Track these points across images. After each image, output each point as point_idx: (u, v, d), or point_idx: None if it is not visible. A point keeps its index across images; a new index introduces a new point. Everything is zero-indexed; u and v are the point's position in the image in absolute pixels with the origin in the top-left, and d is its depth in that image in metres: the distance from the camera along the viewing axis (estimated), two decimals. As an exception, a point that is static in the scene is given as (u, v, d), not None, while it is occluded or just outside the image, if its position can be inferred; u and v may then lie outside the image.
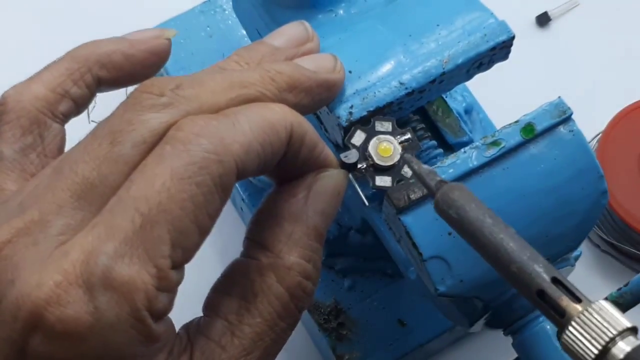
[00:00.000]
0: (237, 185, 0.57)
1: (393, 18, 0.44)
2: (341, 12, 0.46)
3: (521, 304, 0.43)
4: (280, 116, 0.35)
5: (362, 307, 0.57)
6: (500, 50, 0.44)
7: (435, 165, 0.41)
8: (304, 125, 0.36)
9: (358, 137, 0.41)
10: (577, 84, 0.68)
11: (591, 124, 0.61)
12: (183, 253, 0.33)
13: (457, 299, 0.42)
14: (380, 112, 0.42)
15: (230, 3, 0.61)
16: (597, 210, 0.43)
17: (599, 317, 0.31)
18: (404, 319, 0.57)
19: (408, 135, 0.41)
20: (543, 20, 0.71)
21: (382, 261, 0.57)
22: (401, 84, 0.42)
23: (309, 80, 0.38)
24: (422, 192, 0.40)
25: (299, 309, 0.37)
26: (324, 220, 0.37)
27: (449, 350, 0.60)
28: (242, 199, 0.61)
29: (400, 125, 0.41)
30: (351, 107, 0.42)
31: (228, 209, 0.64)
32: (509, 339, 0.45)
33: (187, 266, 0.33)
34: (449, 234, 0.40)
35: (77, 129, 0.40)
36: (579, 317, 0.31)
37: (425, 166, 0.37)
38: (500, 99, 0.62)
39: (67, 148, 0.38)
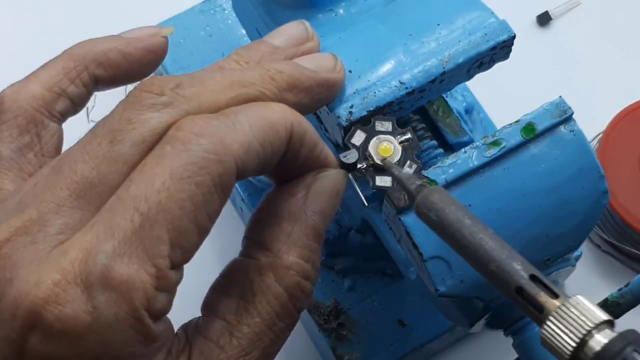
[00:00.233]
0: (236, 185, 0.56)
1: (393, 17, 0.44)
2: (341, 11, 0.46)
3: (522, 304, 0.43)
4: (281, 116, 0.35)
5: (362, 308, 0.57)
6: (501, 50, 0.44)
7: (436, 165, 0.41)
8: (304, 124, 0.36)
9: (358, 137, 0.41)
10: (577, 84, 0.68)
11: (592, 123, 0.61)
12: (182, 253, 0.32)
13: (457, 299, 0.42)
14: (381, 111, 0.42)
15: (230, 2, 0.61)
16: (597, 210, 0.43)
17: (576, 311, 0.31)
18: (404, 319, 0.57)
19: (408, 135, 0.41)
20: (544, 19, 0.71)
21: (382, 261, 0.57)
22: (401, 83, 0.42)
23: (309, 80, 0.38)
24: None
25: (298, 309, 0.37)
26: (323, 220, 0.37)
27: (449, 351, 0.60)
28: (242, 199, 0.61)
29: (401, 125, 0.41)
30: (351, 106, 0.42)
31: (228, 209, 0.64)
32: (510, 340, 0.45)
33: (186, 266, 0.33)
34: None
35: (75, 129, 0.40)
36: (556, 312, 0.32)
37: (405, 170, 0.38)
38: (501, 98, 0.62)
39: (64, 148, 0.37)
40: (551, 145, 0.42)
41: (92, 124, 0.35)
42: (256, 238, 0.37)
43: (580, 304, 0.32)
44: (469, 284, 0.41)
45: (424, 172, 0.41)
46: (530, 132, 0.42)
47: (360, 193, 0.42)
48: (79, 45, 0.40)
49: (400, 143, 0.41)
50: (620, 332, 0.31)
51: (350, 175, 0.40)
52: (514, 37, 0.43)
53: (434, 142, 0.49)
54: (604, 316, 0.32)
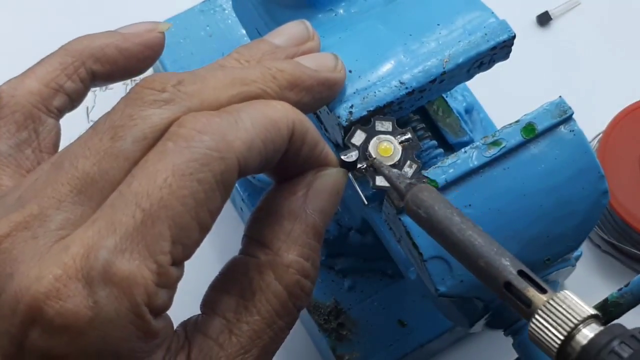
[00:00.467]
0: (236, 185, 0.56)
1: (393, 17, 0.44)
2: (341, 11, 0.46)
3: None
4: (282, 114, 0.35)
5: (362, 308, 0.57)
6: (501, 50, 0.44)
7: (436, 165, 0.41)
8: (306, 123, 0.36)
9: (358, 137, 0.41)
10: (577, 84, 0.68)
11: (592, 123, 0.61)
12: (183, 249, 0.32)
13: (457, 299, 0.42)
14: (381, 111, 0.42)
15: (230, 2, 0.61)
16: (597, 210, 0.43)
17: (563, 305, 0.32)
18: (404, 319, 0.57)
19: (408, 135, 0.41)
20: (544, 19, 0.71)
21: (382, 261, 0.57)
22: (401, 83, 0.42)
23: (310, 79, 0.38)
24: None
25: (297, 307, 0.37)
26: (322, 218, 0.37)
27: (449, 351, 0.60)
28: (242, 199, 0.61)
29: (401, 125, 0.41)
30: (351, 106, 0.42)
31: (228, 209, 0.64)
32: (510, 340, 0.45)
33: (186, 265, 0.33)
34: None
35: (76, 129, 0.40)
36: (544, 306, 0.32)
37: (395, 170, 0.39)
38: (501, 98, 0.62)
39: (63, 146, 0.37)
40: (551, 145, 0.42)
41: (91, 124, 0.35)
42: (256, 236, 0.37)
43: (567, 298, 0.32)
44: (469, 284, 0.41)
45: (424, 172, 0.41)
46: (530, 132, 0.42)
47: (360, 193, 0.42)
48: (76, 41, 0.40)
49: (400, 143, 0.41)
50: (607, 326, 0.32)
51: (350, 175, 0.40)
52: (514, 37, 0.43)
53: (434, 142, 0.49)
54: (591, 310, 0.32)
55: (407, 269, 0.47)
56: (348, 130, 0.41)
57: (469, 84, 0.58)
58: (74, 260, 0.31)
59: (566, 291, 0.33)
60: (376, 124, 0.41)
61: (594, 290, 0.60)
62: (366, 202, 0.43)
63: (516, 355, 0.45)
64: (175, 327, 0.35)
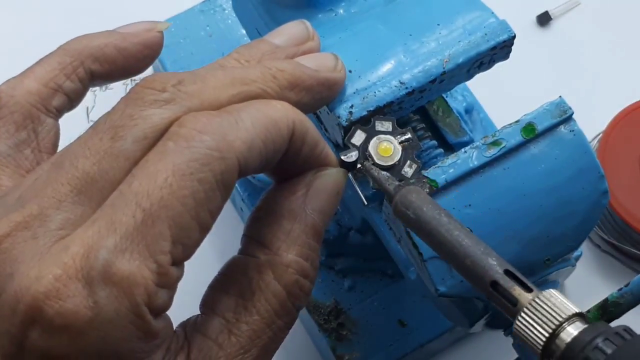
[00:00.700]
0: (236, 185, 0.56)
1: (393, 17, 0.44)
2: (341, 11, 0.46)
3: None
4: (283, 113, 0.35)
5: (362, 308, 0.57)
6: (501, 50, 0.44)
7: (436, 165, 0.41)
8: (306, 123, 0.36)
9: (358, 137, 0.41)
10: (577, 84, 0.68)
11: (592, 123, 0.61)
12: (183, 249, 0.32)
13: (457, 299, 0.42)
14: (381, 111, 0.42)
15: (230, 2, 0.61)
16: (597, 210, 0.43)
17: (549, 303, 0.33)
18: (404, 319, 0.57)
19: (408, 135, 0.41)
20: (544, 19, 0.71)
21: (382, 261, 0.57)
22: (401, 83, 0.42)
23: (310, 79, 0.38)
24: (422, 191, 0.40)
25: (297, 307, 0.37)
26: (322, 218, 0.37)
27: (449, 351, 0.60)
28: (242, 199, 0.61)
29: (401, 125, 0.41)
30: (351, 106, 0.42)
31: (228, 209, 0.64)
32: (510, 340, 0.45)
33: (185, 265, 0.33)
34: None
35: (75, 129, 0.40)
36: (530, 304, 0.33)
37: (384, 172, 0.39)
38: (501, 98, 0.62)
39: (62, 146, 0.37)
40: (551, 145, 0.42)
41: (91, 124, 0.35)
42: (255, 236, 0.37)
43: (553, 297, 0.33)
44: (468, 284, 0.41)
45: (424, 172, 0.41)
46: (530, 132, 0.42)
47: (360, 193, 0.42)
48: (75, 41, 0.40)
49: (400, 143, 0.41)
50: (591, 324, 0.32)
51: (350, 175, 0.40)
52: (514, 37, 0.43)
53: (434, 142, 0.49)
54: (575, 309, 0.33)
55: (407, 269, 0.47)
56: (348, 130, 0.41)
57: (469, 84, 0.58)
58: (73, 260, 0.31)
59: (551, 290, 0.33)
60: (376, 124, 0.41)
61: (594, 290, 0.60)
62: (366, 202, 0.43)
63: (516, 355, 0.45)
64: (174, 328, 0.35)
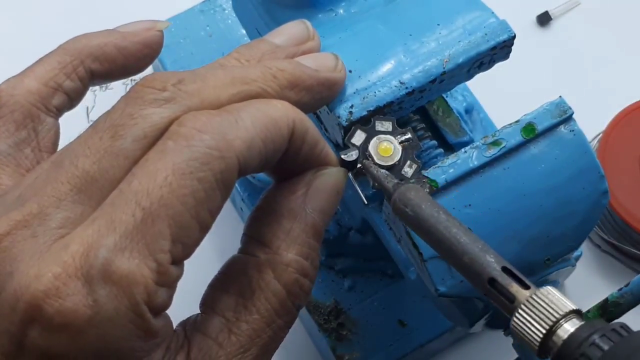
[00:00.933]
0: (236, 185, 0.57)
1: (393, 17, 0.44)
2: (341, 11, 0.46)
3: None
4: (283, 113, 0.35)
5: (362, 308, 0.57)
6: (501, 50, 0.44)
7: (436, 165, 0.41)
8: (306, 122, 0.36)
9: (358, 137, 0.41)
10: (578, 84, 0.68)
11: (592, 123, 0.60)
12: (183, 248, 0.33)
13: (457, 299, 0.42)
14: (381, 111, 0.42)
15: (230, 2, 0.61)
16: (597, 210, 0.43)
17: (546, 300, 0.33)
18: (404, 319, 0.57)
19: (408, 135, 0.41)
20: (544, 19, 0.71)
21: (382, 261, 0.57)
22: (401, 83, 0.42)
23: (310, 79, 0.38)
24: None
25: (296, 306, 0.37)
26: (322, 218, 0.37)
27: (449, 351, 0.60)
28: (242, 199, 0.61)
29: (401, 125, 0.41)
30: (351, 106, 0.42)
31: (228, 209, 0.64)
32: (510, 340, 0.45)
33: (185, 265, 0.33)
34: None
35: (75, 129, 0.40)
36: (527, 301, 0.33)
37: (383, 170, 0.39)
38: (501, 98, 0.62)
39: (62, 146, 0.37)
40: (551, 145, 0.42)
41: (91, 124, 0.35)
42: (255, 235, 0.37)
43: (550, 294, 0.33)
44: (469, 284, 0.41)
45: (424, 172, 0.41)
46: (530, 132, 0.42)
47: (360, 192, 0.42)
48: (75, 40, 0.40)
49: (400, 143, 0.41)
50: (588, 321, 0.32)
51: (350, 175, 0.40)
52: (514, 37, 0.43)
53: (434, 142, 0.49)
54: (572, 306, 0.33)
55: (407, 269, 0.47)
56: (348, 130, 0.41)
57: (469, 84, 0.58)
58: (73, 259, 0.31)
59: (548, 287, 0.33)
60: (376, 124, 0.41)
61: (594, 290, 0.60)
62: (366, 202, 0.43)
63: (516, 355, 0.45)
64: (174, 327, 0.35)
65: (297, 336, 0.60)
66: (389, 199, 0.38)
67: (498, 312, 0.44)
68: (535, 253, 0.42)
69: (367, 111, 0.42)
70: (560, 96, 0.43)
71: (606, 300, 0.43)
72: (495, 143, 0.41)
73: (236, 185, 0.60)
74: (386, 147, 0.40)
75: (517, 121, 0.42)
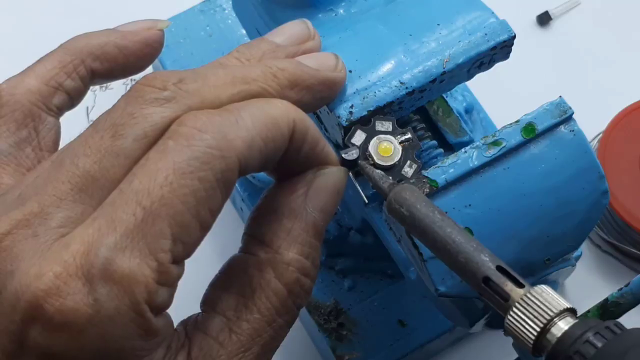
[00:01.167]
0: (236, 185, 0.57)
1: (393, 17, 0.44)
2: (341, 11, 0.46)
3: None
4: (283, 112, 0.35)
5: (362, 308, 0.57)
6: (501, 50, 0.44)
7: (436, 165, 0.41)
8: (306, 121, 0.36)
9: (358, 137, 0.41)
10: (578, 84, 0.68)
11: (592, 123, 0.60)
12: (184, 248, 0.33)
13: (457, 299, 0.42)
14: (381, 111, 0.42)
15: (230, 2, 0.61)
16: (597, 210, 0.43)
17: (540, 298, 0.33)
18: (404, 319, 0.57)
19: (408, 135, 0.41)
20: (544, 19, 0.71)
21: (382, 261, 0.57)
22: (402, 83, 0.42)
23: (310, 78, 0.38)
24: (422, 192, 0.40)
25: (297, 305, 0.37)
26: (323, 217, 0.37)
27: (449, 351, 0.60)
28: (242, 199, 0.61)
29: (401, 125, 0.41)
30: (351, 106, 0.42)
31: (228, 209, 0.64)
32: (510, 340, 0.45)
33: (186, 264, 0.33)
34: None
35: (75, 129, 0.40)
36: (521, 299, 0.33)
37: (378, 171, 0.39)
38: (501, 98, 0.62)
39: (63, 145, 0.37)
40: (551, 145, 0.42)
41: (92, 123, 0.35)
42: (256, 234, 0.37)
43: (544, 292, 0.33)
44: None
45: (424, 172, 0.41)
46: (531, 132, 0.42)
47: (361, 192, 0.42)
48: (75, 39, 0.40)
49: (400, 143, 0.41)
50: (581, 319, 0.33)
51: (351, 174, 0.40)
52: (514, 37, 0.43)
53: (434, 142, 0.49)
54: (566, 304, 0.33)
55: (407, 269, 0.47)
56: (348, 130, 0.41)
57: (469, 84, 0.58)
58: (74, 258, 0.31)
59: (543, 286, 0.33)
60: (376, 124, 0.41)
61: (594, 290, 0.60)
62: (366, 202, 0.43)
63: (516, 355, 0.45)
64: (175, 326, 0.35)
65: (297, 336, 0.60)
66: (384, 199, 0.38)
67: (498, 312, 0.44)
68: (535, 253, 0.42)
69: (367, 111, 0.42)
70: (560, 96, 0.43)
71: (606, 300, 0.43)
72: (495, 143, 0.41)
73: (236, 185, 0.60)
74: (386, 147, 0.40)
75: (517, 121, 0.42)
